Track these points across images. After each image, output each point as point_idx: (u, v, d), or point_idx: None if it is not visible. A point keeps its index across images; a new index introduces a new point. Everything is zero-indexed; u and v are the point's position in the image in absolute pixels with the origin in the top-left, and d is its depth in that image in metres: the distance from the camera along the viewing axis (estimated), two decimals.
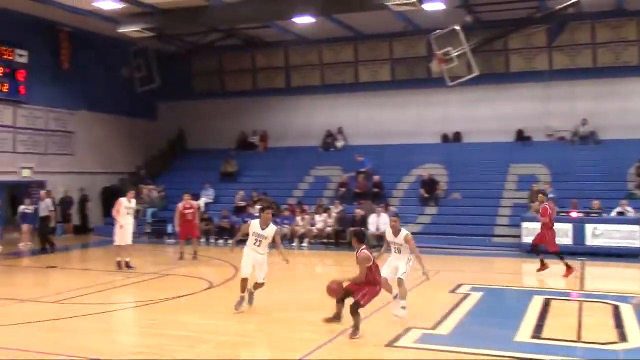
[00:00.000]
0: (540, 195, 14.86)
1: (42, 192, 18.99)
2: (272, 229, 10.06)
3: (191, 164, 27.16)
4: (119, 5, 20.26)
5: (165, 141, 29.15)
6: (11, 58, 22.05)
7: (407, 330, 8.79)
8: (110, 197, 22.24)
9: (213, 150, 27.36)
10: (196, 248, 17.18)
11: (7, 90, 21.92)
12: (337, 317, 8.82)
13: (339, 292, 8.56)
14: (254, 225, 10.09)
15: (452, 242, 19.15)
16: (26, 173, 23.04)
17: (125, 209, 14.88)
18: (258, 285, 10.16)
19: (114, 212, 15.01)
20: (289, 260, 10.11)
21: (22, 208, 19.50)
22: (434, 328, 9.05)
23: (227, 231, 20.89)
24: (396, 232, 9.84)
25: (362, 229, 10.07)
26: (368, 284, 8.48)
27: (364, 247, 8.67)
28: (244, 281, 9.96)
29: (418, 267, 9.74)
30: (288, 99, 27.40)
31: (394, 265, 9.74)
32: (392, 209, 20.86)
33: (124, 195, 15.51)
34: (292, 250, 19.77)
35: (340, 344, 8.21)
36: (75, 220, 24.40)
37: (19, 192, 22.64)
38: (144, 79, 27.13)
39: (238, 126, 28.04)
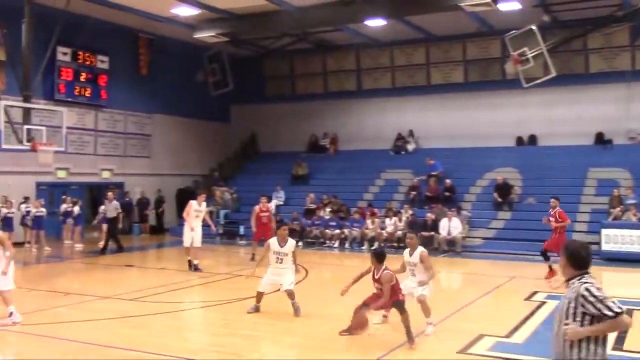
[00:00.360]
0: (553, 200, 14.55)
1: (109, 194, 19.15)
2: (291, 244, 10.16)
3: (263, 166, 27.54)
4: (196, 12, 20.82)
5: (238, 143, 29.70)
6: (93, 64, 23.04)
7: (480, 337, 8.59)
8: (184, 199, 22.78)
9: (284, 153, 27.65)
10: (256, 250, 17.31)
11: (89, 95, 22.92)
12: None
13: (365, 325, 8.23)
14: (273, 244, 10.14)
15: (527, 247, 18.58)
16: (106, 174, 24.00)
17: (195, 211, 15.08)
18: (289, 293, 9.97)
19: (184, 214, 15.29)
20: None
21: (102, 208, 20.26)
22: (507, 336, 8.82)
23: (297, 233, 21.03)
24: (413, 250, 8.97)
25: (382, 247, 9.44)
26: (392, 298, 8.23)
27: (385, 266, 8.26)
28: (260, 294, 10.13)
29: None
30: (359, 101, 27.39)
31: (411, 286, 8.83)
32: (464, 213, 20.54)
33: (196, 197, 15.78)
34: (362, 253, 19.74)
35: (416, 348, 8.09)
36: (152, 220, 25.18)
37: (99, 193, 23.57)
38: (218, 83, 27.76)
39: (309, 129, 28.25)
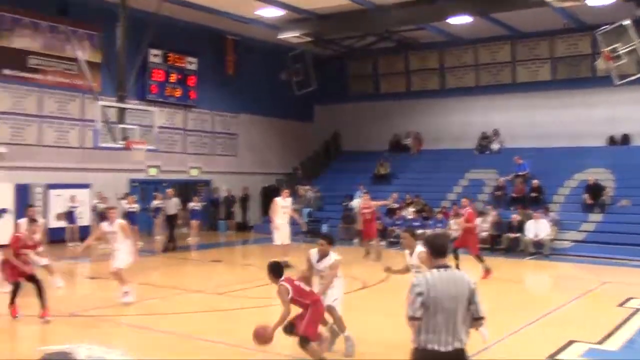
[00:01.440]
0: (464, 200, 14.99)
1: (169, 190, 19.49)
2: (328, 262, 7.94)
3: (345, 165, 27.67)
4: (280, 12, 21.18)
5: (321, 143, 29.97)
6: (183, 65, 23.88)
7: (570, 343, 8.35)
8: (268, 197, 23.22)
9: (366, 152, 27.66)
10: (367, 248, 17.29)
11: (179, 95, 23.78)
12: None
13: (267, 337, 7.25)
14: (313, 257, 8.03)
15: (620, 251, 17.85)
16: (193, 172, 24.80)
17: (281, 208, 15.30)
18: (330, 310, 7.99)
19: (271, 213, 15.43)
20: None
21: (190, 205, 20.97)
22: (600, 342, 8.52)
23: (379, 232, 20.96)
24: (412, 251, 8.09)
25: (279, 261, 7.90)
26: (304, 310, 7.32)
27: (282, 279, 7.29)
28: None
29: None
30: (442, 100, 27.05)
31: None
32: (552, 214, 19.93)
33: (279, 195, 15.94)
34: None
35: (503, 352, 7.97)
36: (238, 217, 25.77)
37: (186, 190, 24.28)
38: (302, 82, 28.02)
39: (391, 128, 28.15)
